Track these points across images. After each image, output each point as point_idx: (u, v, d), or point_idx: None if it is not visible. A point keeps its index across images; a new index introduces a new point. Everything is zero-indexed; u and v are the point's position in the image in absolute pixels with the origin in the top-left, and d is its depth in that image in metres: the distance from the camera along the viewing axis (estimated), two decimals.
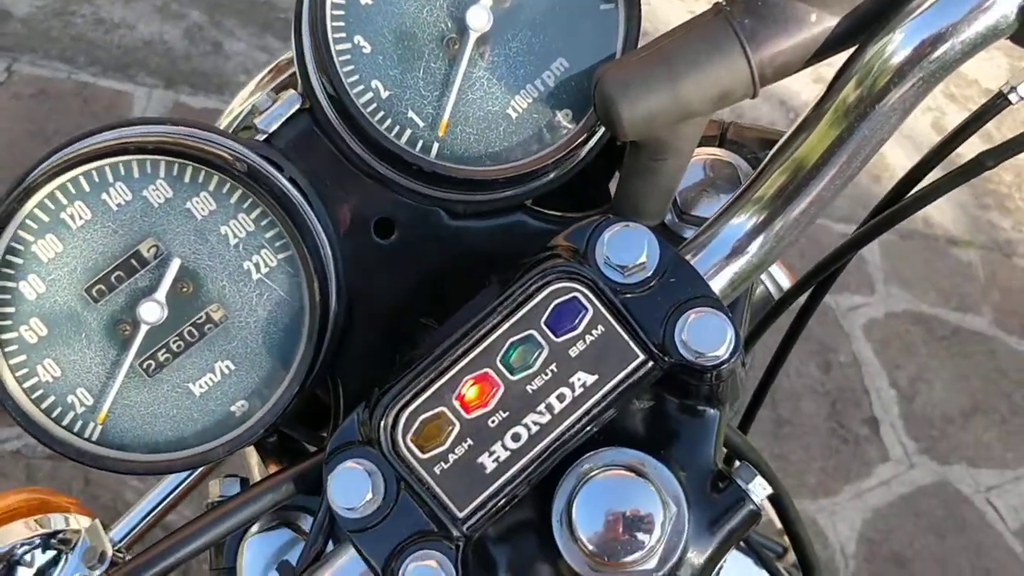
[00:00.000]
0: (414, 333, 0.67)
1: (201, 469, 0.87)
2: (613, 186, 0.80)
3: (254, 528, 0.65)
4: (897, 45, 0.51)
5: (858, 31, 0.52)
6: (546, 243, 0.64)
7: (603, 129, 0.62)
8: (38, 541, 0.77)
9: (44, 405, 0.58)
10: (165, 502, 0.87)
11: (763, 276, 0.89)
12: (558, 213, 0.66)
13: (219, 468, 0.88)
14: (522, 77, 0.60)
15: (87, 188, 0.57)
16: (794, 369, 2.39)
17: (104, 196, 0.57)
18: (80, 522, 0.80)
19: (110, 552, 0.74)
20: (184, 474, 0.87)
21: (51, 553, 0.77)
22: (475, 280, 0.70)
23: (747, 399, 0.86)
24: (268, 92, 0.64)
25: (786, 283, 0.90)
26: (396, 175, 0.62)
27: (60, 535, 0.78)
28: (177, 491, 0.86)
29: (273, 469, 0.79)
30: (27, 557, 0.77)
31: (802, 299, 0.77)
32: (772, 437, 2.30)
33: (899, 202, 0.64)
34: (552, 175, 0.63)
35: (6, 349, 0.57)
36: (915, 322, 2.53)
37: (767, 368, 0.84)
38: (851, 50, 0.53)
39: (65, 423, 0.58)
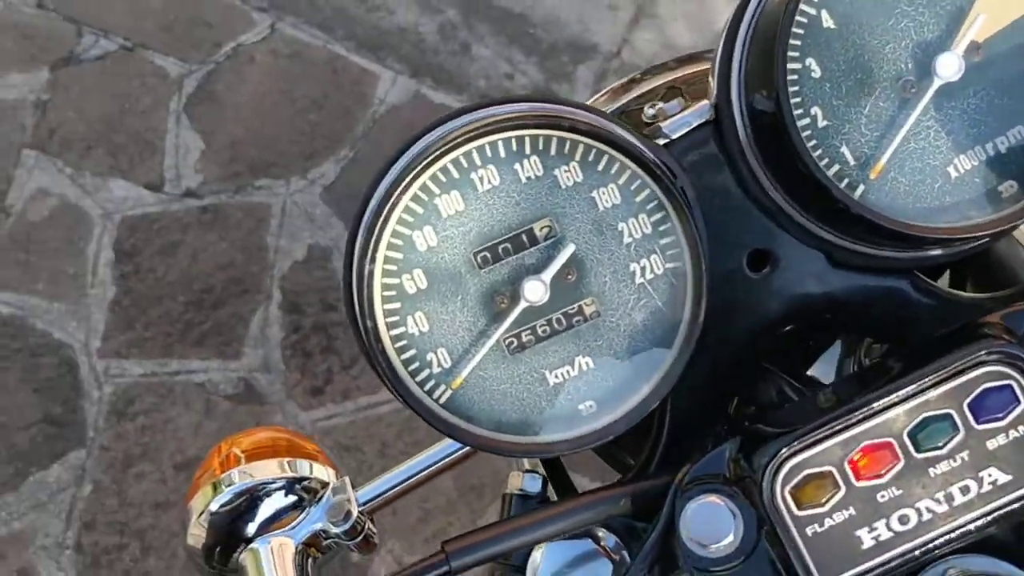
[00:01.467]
0: (755, 377, 0.63)
1: (461, 453, 0.85)
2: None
3: None
4: None
5: None
6: (922, 317, 0.59)
7: None
8: (284, 483, 0.77)
9: (404, 356, 0.57)
10: (418, 475, 0.86)
11: None
12: (947, 289, 0.61)
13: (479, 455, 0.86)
14: (974, 137, 0.56)
15: (503, 154, 0.56)
16: None
17: (517, 166, 0.56)
18: (326, 474, 0.80)
19: (355, 512, 0.73)
20: (441, 452, 0.86)
21: (292, 498, 0.76)
22: (832, 335, 0.65)
23: None
24: (679, 98, 0.61)
25: None
26: (793, 208, 0.59)
27: (305, 482, 0.78)
28: (433, 467, 0.85)
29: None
30: (269, 497, 0.77)
31: None
32: None
33: None
34: (961, 248, 0.58)
35: (385, 293, 0.56)
36: None
37: None
38: None
39: (419, 379, 0.57)
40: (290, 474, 0.78)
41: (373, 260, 0.55)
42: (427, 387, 0.57)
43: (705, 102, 0.61)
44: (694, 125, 0.60)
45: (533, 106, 0.56)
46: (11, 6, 2.65)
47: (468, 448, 0.85)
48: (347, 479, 0.77)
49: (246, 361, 2.22)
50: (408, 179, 0.55)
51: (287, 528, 0.74)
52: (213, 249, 2.33)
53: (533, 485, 0.66)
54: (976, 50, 0.55)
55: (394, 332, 0.57)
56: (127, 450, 2.16)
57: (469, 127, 0.55)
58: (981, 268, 0.72)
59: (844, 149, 0.56)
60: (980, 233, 0.56)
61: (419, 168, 0.55)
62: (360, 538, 0.75)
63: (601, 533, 0.64)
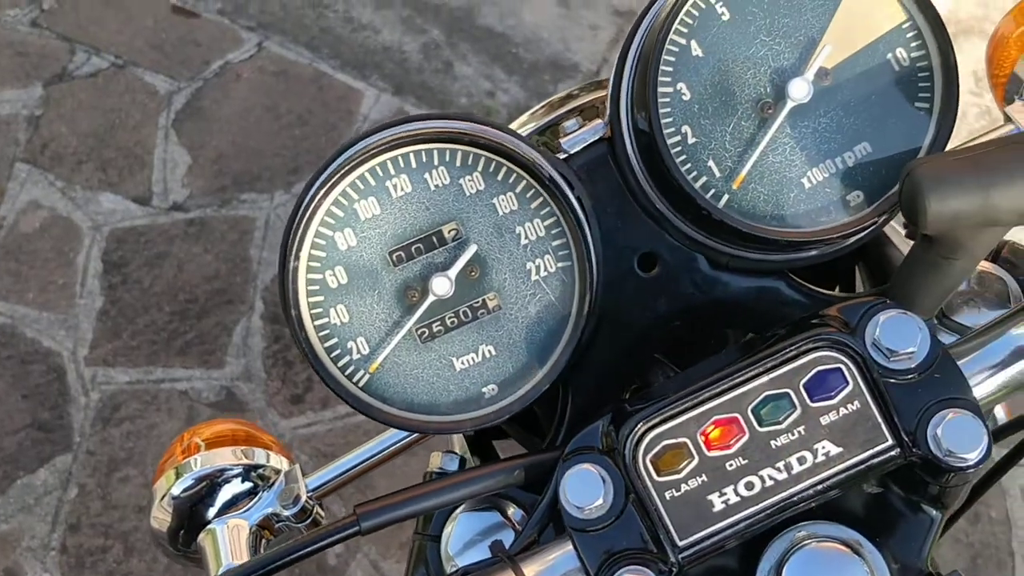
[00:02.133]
0: (647, 366, 0.70)
1: (404, 442, 0.92)
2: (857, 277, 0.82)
3: (465, 504, 0.69)
4: None
5: None
6: (796, 313, 0.66)
7: (883, 219, 0.64)
8: (240, 470, 0.83)
9: (327, 344, 0.64)
10: (361, 465, 0.93)
11: None
12: (814, 287, 0.68)
13: (420, 443, 0.93)
14: (824, 152, 0.63)
15: (415, 165, 0.64)
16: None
17: (426, 175, 0.64)
18: (280, 462, 0.86)
19: (304, 497, 0.79)
20: (386, 442, 0.93)
21: (248, 484, 0.83)
22: (717, 330, 0.72)
23: None
24: (577, 117, 0.69)
25: (1002, 417, 0.88)
26: (674, 216, 0.66)
27: (260, 470, 0.84)
28: (377, 456, 0.92)
29: (470, 457, 0.84)
30: (228, 483, 0.83)
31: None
32: None
33: None
34: (818, 251, 0.66)
35: (310, 287, 0.64)
36: None
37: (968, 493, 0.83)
38: None
39: (340, 364, 0.64)
40: (246, 461, 0.85)
41: (297, 257, 0.63)
42: (347, 371, 0.64)
43: (599, 121, 0.68)
44: (589, 141, 0.68)
45: (440, 123, 0.64)
46: (6, 24, 2.73)
47: (410, 438, 0.92)
48: (298, 467, 0.84)
49: (228, 370, 2.29)
50: (328, 186, 0.63)
51: (242, 511, 0.81)
52: (198, 261, 2.41)
53: (451, 464, 0.73)
54: (825, 75, 0.63)
55: (318, 322, 0.64)
56: (112, 455, 2.22)
57: (383, 141, 0.63)
58: (873, 269, 0.79)
59: (711, 163, 0.64)
60: (830, 237, 0.63)
61: (339, 176, 0.63)
62: (309, 520, 0.82)
63: (511, 511, 0.71)
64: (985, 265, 0.68)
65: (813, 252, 0.65)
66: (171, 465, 0.87)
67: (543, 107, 0.86)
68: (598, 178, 0.67)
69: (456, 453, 0.73)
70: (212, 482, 0.83)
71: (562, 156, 0.68)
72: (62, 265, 2.39)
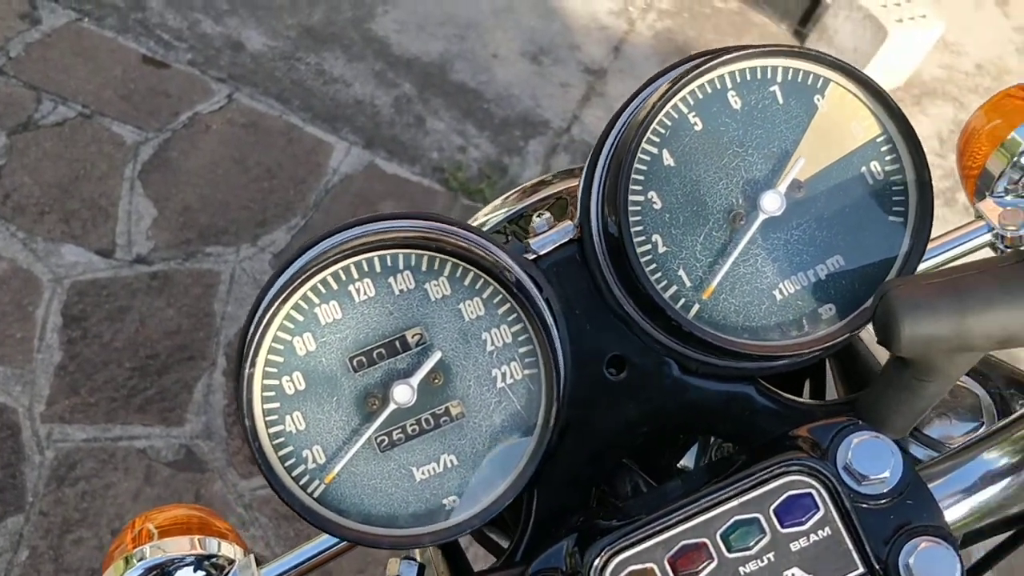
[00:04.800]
0: (615, 470, 0.68)
1: None
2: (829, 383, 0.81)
3: None
4: None
5: None
6: (766, 421, 0.65)
7: (855, 333, 0.63)
8: (193, 559, 0.81)
9: (282, 453, 0.62)
10: (322, 554, 0.89)
11: None
12: (787, 396, 0.67)
13: None
14: (796, 264, 0.63)
15: (379, 269, 0.62)
16: None
17: (391, 280, 0.62)
18: (234, 551, 0.83)
19: None
20: None
21: (202, 574, 0.80)
22: (686, 435, 0.71)
23: None
24: (548, 216, 0.68)
25: None
26: (644, 320, 0.65)
27: (214, 559, 0.81)
28: (336, 547, 0.89)
29: (432, 558, 0.81)
30: (179, 572, 0.80)
31: None
32: None
33: None
34: (789, 361, 0.65)
35: (265, 393, 0.61)
36: None
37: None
38: None
39: (295, 474, 0.62)
40: (199, 551, 0.82)
41: (253, 364, 0.60)
42: (302, 481, 0.62)
43: (569, 223, 0.67)
44: (558, 243, 0.67)
45: (406, 224, 0.62)
46: None
47: None
48: (252, 557, 0.81)
49: (188, 428, 2.24)
50: (289, 291, 0.61)
51: None
52: (161, 315, 2.37)
53: (408, 572, 0.70)
54: (799, 188, 0.62)
55: (273, 430, 0.62)
56: (66, 516, 2.16)
57: (346, 245, 0.61)
58: (845, 367, 0.78)
59: (681, 272, 0.63)
60: (801, 352, 0.62)
61: (299, 281, 0.61)
62: None
63: None
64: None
65: (784, 362, 0.64)
66: (121, 554, 0.84)
67: (515, 193, 0.85)
68: (566, 279, 0.66)
69: (415, 560, 0.71)
70: (163, 571, 0.80)
71: (531, 256, 0.66)
72: (20, 318, 2.34)
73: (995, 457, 0.56)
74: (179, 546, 0.82)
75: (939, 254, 0.73)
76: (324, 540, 0.91)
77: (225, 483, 2.19)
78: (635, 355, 0.66)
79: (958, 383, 0.67)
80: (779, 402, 0.66)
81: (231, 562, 0.81)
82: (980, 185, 0.81)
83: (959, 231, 0.75)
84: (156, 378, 2.30)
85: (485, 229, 0.81)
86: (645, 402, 0.67)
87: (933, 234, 0.64)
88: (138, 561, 0.80)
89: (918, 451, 0.66)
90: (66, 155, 2.58)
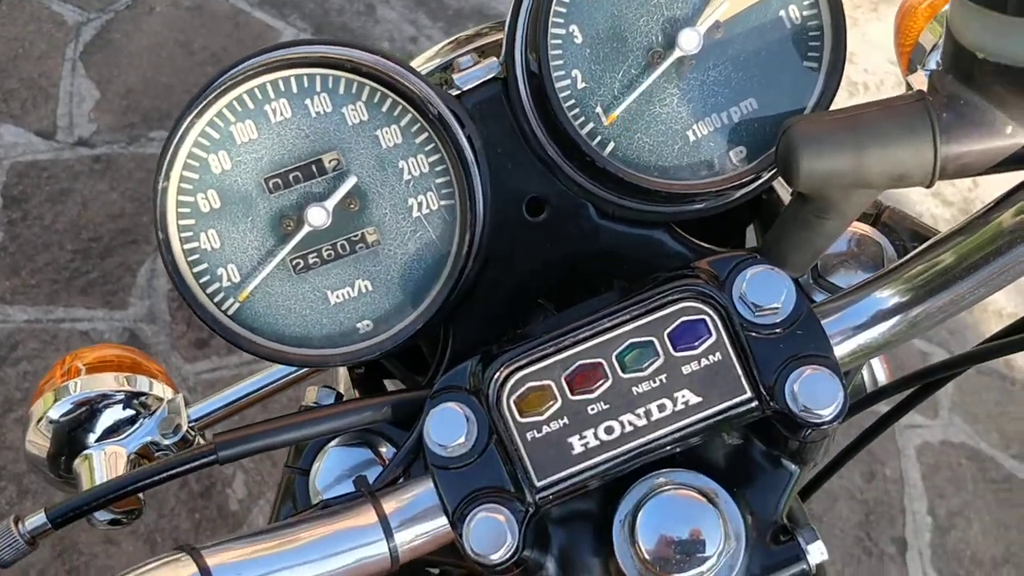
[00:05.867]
0: (531, 310, 0.70)
1: (292, 376, 0.91)
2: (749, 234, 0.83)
3: (336, 439, 0.69)
4: None
5: None
6: (680, 264, 0.67)
7: (767, 176, 0.65)
8: (121, 396, 0.81)
9: (196, 269, 0.62)
10: (247, 397, 0.91)
11: (864, 369, 0.90)
12: (698, 241, 0.69)
13: (309, 378, 0.92)
14: (711, 106, 0.64)
15: (295, 89, 0.62)
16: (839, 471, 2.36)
17: (307, 101, 0.62)
18: (164, 391, 0.84)
19: (184, 427, 0.78)
20: (274, 375, 0.92)
21: (130, 412, 0.81)
22: (600, 278, 0.73)
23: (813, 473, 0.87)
24: (472, 53, 0.68)
25: (883, 379, 0.91)
26: (564, 161, 0.66)
27: (142, 398, 0.82)
28: (262, 390, 0.91)
29: (357, 394, 0.83)
30: (108, 409, 0.81)
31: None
32: None
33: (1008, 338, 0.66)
34: (704, 204, 0.66)
35: (180, 209, 0.61)
36: (970, 457, 2.47)
37: (841, 451, 0.85)
38: None
39: (209, 291, 0.62)
40: (128, 388, 0.83)
41: (168, 178, 0.60)
42: (216, 299, 0.63)
43: (494, 59, 0.67)
44: (483, 79, 0.67)
45: (325, 48, 0.62)
46: None
47: (296, 373, 0.90)
48: (181, 396, 0.82)
49: (132, 311, 2.23)
50: (204, 105, 0.60)
51: (121, 438, 0.79)
52: (104, 199, 2.33)
53: (326, 399, 0.71)
54: (717, 28, 0.63)
55: (188, 246, 0.62)
56: (7, 395, 2.15)
57: (264, 62, 0.61)
58: (765, 229, 0.80)
59: (598, 109, 0.63)
60: (710, 191, 0.63)
61: (215, 96, 0.60)
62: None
63: (384, 448, 0.70)
64: (864, 228, 0.70)
65: (698, 205, 0.66)
66: (50, 387, 0.84)
67: (450, 43, 0.84)
68: (490, 118, 0.66)
69: (332, 388, 0.72)
70: (92, 407, 0.81)
71: (455, 92, 0.67)
72: None
73: (885, 296, 0.58)
74: (107, 383, 0.83)
75: None
76: (250, 382, 0.92)
77: (169, 366, 2.19)
78: (554, 197, 0.67)
79: (863, 233, 0.69)
80: (691, 247, 0.68)
81: (160, 401, 0.82)
82: (913, 60, 0.82)
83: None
84: (99, 261, 2.27)
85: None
86: (562, 244, 0.68)
87: None
88: (66, 396, 0.81)
89: (820, 296, 0.68)
90: (4, 33, 2.50)
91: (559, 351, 0.57)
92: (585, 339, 0.57)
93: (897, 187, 0.56)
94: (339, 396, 0.72)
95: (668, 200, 0.65)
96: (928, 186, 0.55)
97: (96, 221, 2.30)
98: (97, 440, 0.80)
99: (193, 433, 0.81)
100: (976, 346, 0.71)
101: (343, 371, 0.86)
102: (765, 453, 0.62)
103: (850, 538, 2.26)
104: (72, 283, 2.26)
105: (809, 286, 0.69)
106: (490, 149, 0.66)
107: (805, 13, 0.63)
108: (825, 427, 0.55)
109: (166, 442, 0.78)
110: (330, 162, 0.62)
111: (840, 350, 0.58)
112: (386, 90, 0.62)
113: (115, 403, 0.81)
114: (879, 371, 0.88)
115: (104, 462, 0.79)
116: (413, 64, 0.82)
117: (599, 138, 0.64)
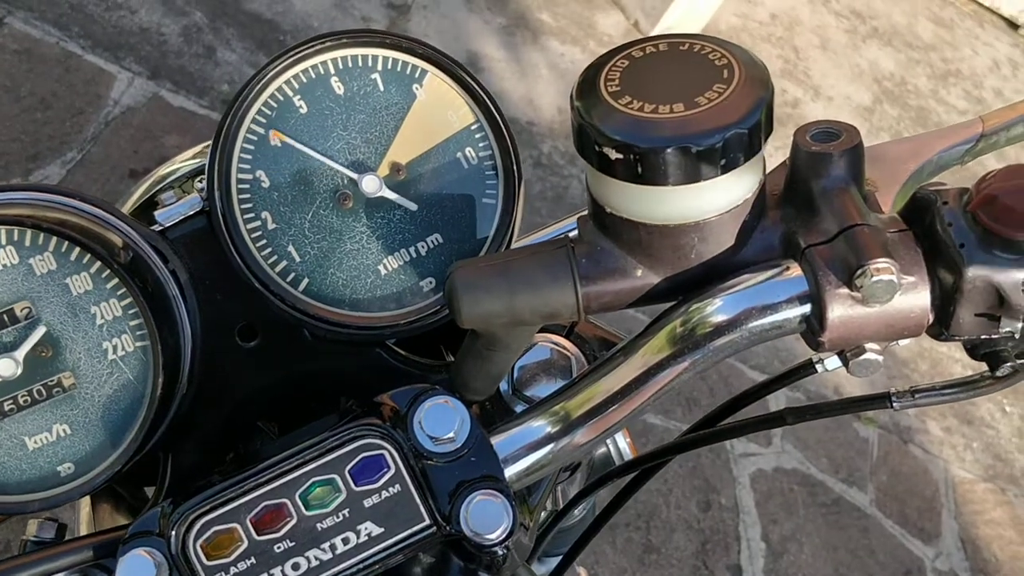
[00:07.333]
0: (250, 432, 0.72)
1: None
2: None
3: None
4: (710, 311, 0.59)
5: (675, 292, 0.59)
6: (399, 382, 0.70)
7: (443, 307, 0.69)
8: None
9: None
10: None
11: (609, 441, 0.96)
12: (414, 357, 0.73)
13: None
14: (398, 241, 0.67)
15: None
16: (675, 500, 2.47)
17: None
18: None
19: None
20: None
21: None
22: (322, 396, 0.76)
23: (577, 535, 0.91)
24: (176, 188, 0.69)
25: (628, 454, 0.97)
26: (266, 292, 0.68)
27: None
28: None
29: (104, 514, 0.83)
30: None
31: None
32: (638, 562, 2.37)
33: (707, 428, 0.72)
34: (403, 331, 0.70)
35: None
36: (801, 483, 2.63)
37: (593, 522, 0.90)
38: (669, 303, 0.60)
39: None
40: None
41: None
42: None
43: (196, 195, 0.69)
44: (184, 215, 0.68)
45: (5, 197, 0.62)
46: None
47: None
48: None
49: None
50: None
51: None
52: None
53: (46, 533, 0.72)
54: (399, 170, 0.67)
55: None
56: None
57: None
58: None
59: (291, 248, 0.66)
60: (395, 323, 0.67)
61: None
62: None
63: None
64: (559, 341, 0.75)
65: (399, 331, 0.69)
66: None
67: (151, 180, 0.85)
68: (197, 250, 0.68)
69: (54, 521, 0.72)
70: None
71: (157, 228, 0.68)
72: None
73: (548, 421, 0.63)
74: None
75: None
76: None
77: None
78: (266, 323, 0.69)
79: (557, 345, 0.74)
80: (404, 362, 0.72)
81: None
82: None
83: None
84: None
85: (142, 203, 0.82)
86: (279, 367, 0.70)
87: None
88: None
89: (521, 407, 0.73)
90: None
91: (244, 493, 0.59)
92: (270, 480, 0.60)
93: (550, 323, 0.60)
94: (61, 528, 0.72)
95: (364, 330, 0.68)
96: (578, 321, 0.60)
97: None
98: None
99: None
100: (680, 436, 0.77)
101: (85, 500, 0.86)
102: (463, 568, 0.66)
103: (687, 567, 2.36)
104: None
105: (510, 398, 0.73)
106: (198, 281, 0.68)
107: (481, 154, 0.68)
108: (495, 548, 0.60)
109: None
110: (21, 311, 0.63)
111: (513, 469, 0.62)
112: (71, 242, 0.63)
113: None
114: (624, 446, 0.94)
115: None
116: (124, 204, 0.83)
117: (293, 275, 0.66)
